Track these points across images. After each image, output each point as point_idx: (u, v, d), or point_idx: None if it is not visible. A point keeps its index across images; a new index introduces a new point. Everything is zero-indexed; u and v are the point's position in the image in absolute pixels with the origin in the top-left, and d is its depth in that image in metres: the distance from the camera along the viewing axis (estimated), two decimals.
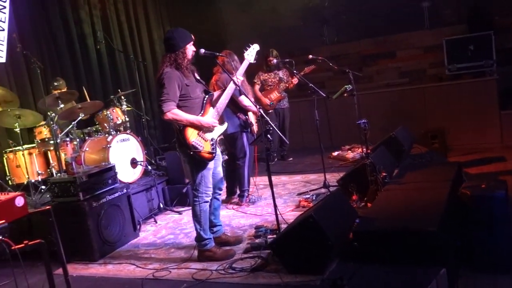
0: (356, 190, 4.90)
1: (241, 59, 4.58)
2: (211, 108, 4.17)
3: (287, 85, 7.52)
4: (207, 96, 4.19)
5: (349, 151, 7.59)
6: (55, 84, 6.61)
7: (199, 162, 4.09)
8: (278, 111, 7.80)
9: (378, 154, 5.22)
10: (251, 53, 4.41)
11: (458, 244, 3.40)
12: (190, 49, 4.09)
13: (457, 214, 3.58)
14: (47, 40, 7.27)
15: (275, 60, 7.34)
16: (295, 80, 7.38)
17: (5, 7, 6.64)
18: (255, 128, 5.64)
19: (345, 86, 6.08)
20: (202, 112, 4.11)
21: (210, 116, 4.12)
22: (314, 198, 5.38)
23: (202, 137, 4.05)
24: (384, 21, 8.58)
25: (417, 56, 8.66)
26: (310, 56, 6.50)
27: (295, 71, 6.21)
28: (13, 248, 2.71)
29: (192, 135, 4.01)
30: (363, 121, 4.95)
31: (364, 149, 5.05)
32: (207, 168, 4.13)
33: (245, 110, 5.52)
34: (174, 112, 3.95)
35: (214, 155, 4.10)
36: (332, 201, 4.04)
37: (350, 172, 5.25)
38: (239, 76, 4.36)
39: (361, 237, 3.52)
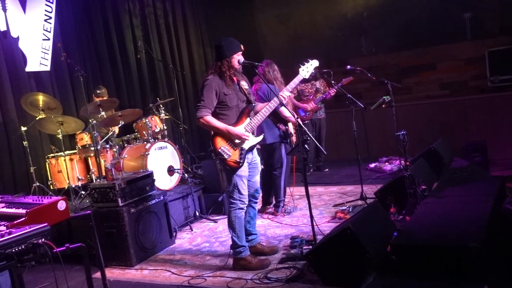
0: (394, 203, 4.80)
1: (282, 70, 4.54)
2: (248, 119, 4.18)
3: (324, 95, 7.48)
4: (247, 106, 4.21)
5: (387, 163, 7.47)
6: (98, 91, 6.79)
7: (230, 168, 4.13)
8: (314, 121, 7.77)
9: (417, 166, 5.13)
10: (308, 69, 4.28)
11: (500, 260, 3.29)
12: (237, 58, 4.14)
13: (500, 230, 3.47)
14: (90, 49, 7.48)
15: (313, 71, 7.31)
16: (332, 91, 7.34)
17: (51, 18, 6.88)
18: (294, 139, 5.62)
19: (384, 97, 6.00)
20: (236, 122, 4.13)
21: (242, 127, 4.13)
22: (350, 210, 5.31)
23: (231, 145, 4.09)
24: (424, 32, 8.47)
25: (458, 68, 8.49)
26: (348, 67, 6.44)
27: (333, 82, 6.18)
28: (54, 250, 2.76)
29: (221, 142, 4.07)
30: (402, 132, 4.87)
31: (403, 161, 4.96)
32: (239, 175, 4.15)
33: (285, 121, 5.52)
34: (206, 119, 4.05)
35: (240, 164, 4.10)
36: (370, 213, 3.98)
37: (388, 184, 5.16)
38: (286, 91, 4.28)
39: (400, 250, 3.45)
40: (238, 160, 4.08)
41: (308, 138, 3.98)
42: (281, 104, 4.27)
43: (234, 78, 4.21)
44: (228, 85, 4.11)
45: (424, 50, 8.73)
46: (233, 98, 4.14)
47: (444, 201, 4.38)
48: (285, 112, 5.35)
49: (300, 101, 7.66)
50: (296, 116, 4.27)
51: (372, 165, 7.61)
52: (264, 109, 4.18)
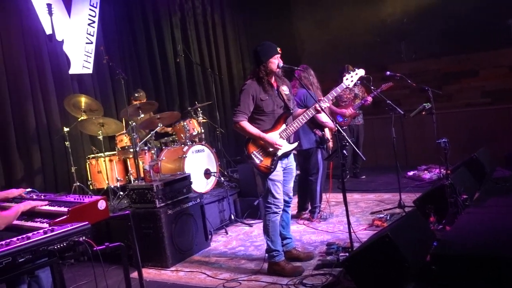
0: (434, 212, 4.69)
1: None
2: (284, 125, 4.15)
3: (362, 101, 7.40)
4: (284, 113, 4.19)
5: (426, 171, 7.32)
6: (136, 95, 6.92)
7: (263, 173, 4.14)
8: (352, 127, 7.68)
9: (458, 175, 4.99)
10: (353, 78, 4.18)
11: None
12: (275, 62, 4.12)
13: None
14: (130, 53, 7.65)
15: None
16: (371, 97, 7.25)
17: (94, 22, 7.07)
18: (331, 144, 5.58)
19: (424, 104, 5.90)
20: (272, 127, 4.12)
21: (277, 133, 4.11)
22: (388, 218, 5.22)
23: (264, 151, 4.09)
24: (466, 38, 8.26)
25: (502, 75, 8.24)
26: (388, 73, 6.36)
27: (372, 88, 6.10)
28: (94, 249, 2.81)
29: (253, 146, 4.09)
30: (443, 140, 4.75)
31: (443, 170, 4.84)
32: (273, 179, 4.14)
33: (322, 126, 5.48)
34: (241, 124, 4.07)
35: (271, 170, 4.09)
36: (409, 221, 3.89)
37: (428, 193, 5.04)
38: (327, 100, 4.23)
39: (440, 260, 3.36)
40: (269, 165, 4.07)
41: (347, 144, 3.93)
42: (318, 111, 4.24)
43: (274, 84, 4.19)
44: (266, 91, 4.11)
45: (466, 56, 8.51)
46: (269, 103, 4.13)
47: (486, 211, 4.25)
48: (322, 117, 5.31)
49: (338, 107, 7.60)
50: (334, 121, 4.23)
51: (411, 173, 7.47)
52: (302, 117, 4.15)
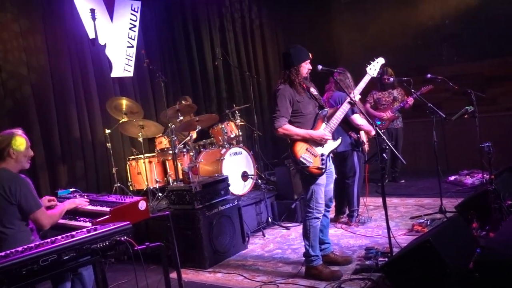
0: (477, 218, 4.57)
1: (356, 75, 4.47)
2: (323, 124, 4.15)
3: (401, 104, 7.28)
4: (320, 112, 4.19)
5: (468, 176, 7.13)
6: (183, 102, 6.97)
7: (309, 177, 4.09)
8: (391, 131, 7.56)
9: (502, 180, 4.84)
10: (375, 67, 4.22)
11: None
12: (305, 67, 4.14)
13: None
14: (170, 56, 7.79)
15: (391, 79, 7.11)
16: (410, 100, 7.12)
17: (135, 26, 7.22)
18: (366, 147, 5.52)
19: (466, 107, 5.77)
20: (313, 127, 4.12)
21: (321, 130, 4.11)
22: (428, 223, 5.11)
23: (311, 153, 4.05)
24: (511, 41, 8.02)
25: None
26: (429, 75, 6.24)
27: (412, 90, 6.00)
28: (135, 248, 2.86)
29: (301, 150, 4.04)
30: (487, 144, 4.63)
31: (487, 175, 4.71)
32: (318, 183, 4.11)
33: (357, 129, 5.43)
34: (285, 128, 4.04)
35: (323, 170, 4.06)
36: (451, 227, 3.80)
37: (470, 198, 4.91)
38: (356, 92, 4.24)
39: (483, 268, 3.26)
40: (320, 166, 4.04)
41: (387, 147, 3.87)
42: (352, 110, 4.21)
43: (304, 85, 4.20)
44: (300, 93, 4.11)
45: (510, 58, 8.26)
46: (306, 104, 4.13)
47: None
48: (357, 119, 5.27)
49: (376, 110, 7.50)
50: (374, 125, 4.17)
51: (452, 177, 7.29)
52: (339, 112, 4.14)
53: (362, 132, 5.45)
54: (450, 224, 3.87)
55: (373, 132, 5.03)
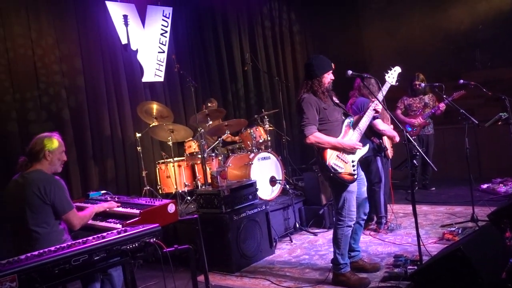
0: (510, 227, 4.45)
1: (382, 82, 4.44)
2: (351, 130, 4.13)
3: (433, 110, 7.17)
4: (346, 119, 4.17)
5: (501, 185, 6.96)
6: (209, 104, 7.06)
7: (340, 184, 4.05)
8: (422, 137, 7.44)
9: None
10: (393, 75, 4.25)
11: None
12: (328, 77, 4.13)
13: None
14: (200, 61, 7.87)
15: (422, 84, 7.02)
16: (442, 106, 7.01)
17: (166, 32, 7.33)
18: (389, 152, 5.45)
19: (500, 113, 5.65)
20: (341, 134, 4.09)
21: (351, 138, 4.08)
22: (460, 232, 5.01)
23: (341, 159, 4.02)
24: None
25: None
26: (461, 81, 6.13)
27: (444, 96, 5.90)
28: (164, 250, 2.90)
29: (331, 157, 4.00)
30: None
31: None
32: (349, 191, 4.06)
33: (379, 134, 5.38)
34: (316, 135, 4.00)
35: (355, 176, 4.02)
36: (483, 236, 3.72)
37: (504, 207, 4.77)
38: (379, 98, 4.20)
39: None
40: (352, 172, 4.01)
41: (417, 153, 3.82)
42: (374, 117, 4.19)
43: (327, 94, 4.18)
44: (324, 101, 4.10)
45: None
46: (332, 111, 4.12)
47: None
48: (379, 125, 5.22)
49: (407, 116, 7.41)
50: (404, 131, 4.12)
51: (485, 185, 7.14)
52: (364, 119, 4.13)
53: (384, 138, 5.40)
54: (483, 233, 3.79)
55: (397, 138, 4.97)
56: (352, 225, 4.14)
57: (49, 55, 5.97)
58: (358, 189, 4.21)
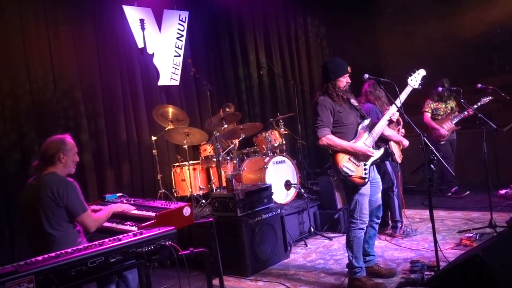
0: None
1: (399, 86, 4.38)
2: (365, 133, 4.10)
3: (463, 115, 7.02)
4: (362, 122, 4.15)
5: None
6: (227, 109, 7.06)
7: (352, 187, 4.04)
8: (450, 141, 7.34)
9: None
10: (416, 78, 4.19)
11: None
12: (343, 81, 4.12)
13: None
14: (216, 65, 7.89)
15: (440, 89, 6.91)
16: (470, 111, 6.81)
17: (182, 36, 7.37)
18: (398, 157, 5.38)
19: None
20: (355, 138, 4.07)
21: (362, 142, 4.06)
22: (477, 238, 4.94)
23: (353, 162, 4.00)
24: None
25: None
26: (479, 85, 6.07)
27: (462, 100, 5.82)
28: (180, 253, 2.89)
29: (343, 160, 4.00)
30: None
31: None
32: (361, 193, 4.05)
33: (385, 140, 5.32)
34: (328, 138, 4.00)
35: (366, 180, 4.00)
36: (502, 242, 3.65)
37: None
38: (398, 103, 4.15)
39: None
40: (363, 175, 3.99)
41: (435, 158, 3.78)
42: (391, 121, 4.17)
43: (343, 96, 4.16)
44: (340, 104, 4.09)
45: None
46: (347, 114, 4.11)
47: None
48: (386, 131, 5.17)
49: (434, 121, 7.30)
50: (423, 134, 4.05)
51: (503, 191, 7.03)
52: (380, 123, 4.12)
53: (391, 143, 5.35)
54: (501, 239, 3.73)
55: (405, 142, 4.92)
56: (365, 228, 4.12)
57: (67, 58, 6.02)
58: (372, 192, 4.19)
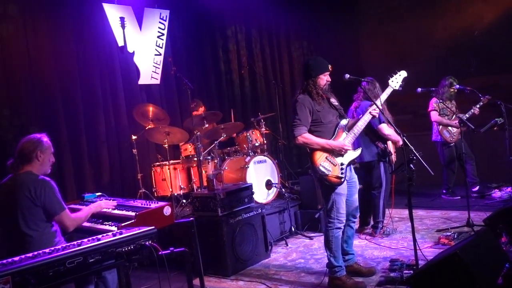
0: (506, 232, 4.45)
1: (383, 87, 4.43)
2: (344, 133, 4.13)
3: (470, 113, 6.71)
4: (341, 122, 4.17)
5: (496, 190, 6.98)
6: (192, 106, 6.99)
7: (329, 186, 4.07)
8: (458, 143, 7.21)
9: None
10: (397, 79, 4.22)
11: None
12: (324, 79, 4.15)
13: None
14: (197, 64, 7.86)
15: (457, 86, 6.72)
16: (476, 110, 6.80)
17: (163, 34, 7.32)
18: (393, 157, 5.45)
19: (496, 119, 5.67)
20: (334, 137, 4.10)
21: (341, 140, 4.08)
22: (455, 236, 5.00)
23: (330, 161, 4.03)
24: None
25: None
26: (457, 86, 6.17)
27: (481, 97, 5.79)
28: (160, 253, 2.87)
29: (320, 159, 4.02)
30: None
31: None
32: (338, 193, 4.08)
33: (384, 139, 5.38)
34: (305, 136, 4.03)
35: (342, 180, 4.03)
36: (479, 240, 3.71)
37: (499, 212, 4.78)
38: (378, 104, 4.19)
39: None
40: (339, 175, 4.02)
41: (414, 157, 3.81)
42: (380, 120, 4.19)
43: (323, 95, 4.18)
44: (319, 103, 4.11)
45: None
46: (326, 114, 4.13)
47: None
48: (384, 129, 5.23)
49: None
50: (402, 134, 4.09)
51: (477, 188, 7.15)
52: (360, 122, 4.14)
53: (389, 142, 5.40)
54: (479, 238, 3.78)
55: (401, 142, 4.96)
56: (342, 227, 4.15)
57: (45, 56, 5.92)
58: (350, 195, 4.23)
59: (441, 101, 7.02)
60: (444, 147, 7.11)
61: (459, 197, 7.06)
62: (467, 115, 6.77)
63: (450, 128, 7.03)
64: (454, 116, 6.98)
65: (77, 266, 2.57)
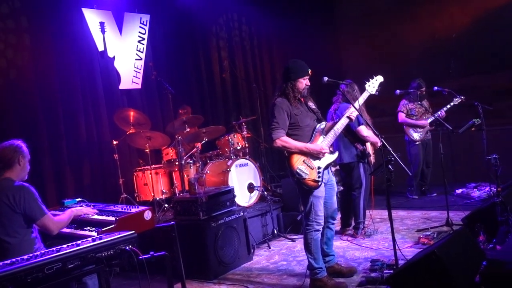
0: (484, 231, 4.53)
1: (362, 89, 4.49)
2: (321, 137, 4.16)
3: (438, 115, 6.87)
4: (318, 125, 4.20)
5: (475, 189, 7.10)
6: (180, 111, 7.00)
7: (306, 189, 4.09)
8: (425, 142, 7.36)
9: (509, 193, 4.81)
10: (373, 84, 4.28)
11: None
12: (303, 82, 4.17)
13: None
14: (178, 68, 7.84)
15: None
16: (442, 112, 6.88)
17: (144, 39, 7.31)
18: (372, 159, 5.51)
19: (473, 120, 5.76)
20: (311, 140, 4.13)
21: (319, 143, 4.12)
22: (435, 236, 5.08)
23: (308, 165, 4.05)
24: None
25: None
26: (435, 88, 6.26)
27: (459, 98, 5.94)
28: (140, 257, 2.87)
29: (297, 162, 4.05)
30: (494, 156, 4.61)
31: (493, 188, 4.68)
32: (316, 196, 4.10)
33: (363, 140, 5.43)
34: (282, 140, 4.05)
35: (319, 183, 4.06)
36: (457, 239, 3.77)
37: (477, 211, 4.89)
38: (356, 106, 4.24)
39: (490, 281, 3.24)
40: (316, 178, 4.05)
41: (392, 158, 3.87)
42: (358, 122, 4.23)
43: (301, 99, 4.22)
44: (296, 106, 4.14)
45: None
46: (303, 118, 4.16)
47: None
48: (363, 131, 5.29)
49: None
50: (380, 136, 4.14)
51: (459, 190, 7.26)
52: (337, 126, 4.17)
53: (368, 144, 5.46)
54: (457, 237, 3.84)
55: (380, 144, 5.02)
56: (320, 229, 4.18)
57: (24, 60, 5.87)
58: (329, 197, 4.27)
59: (407, 102, 7.31)
60: (411, 145, 7.31)
61: (435, 194, 7.42)
62: (432, 118, 6.98)
63: (416, 127, 7.26)
64: (423, 116, 7.23)
65: (56, 272, 2.56)
